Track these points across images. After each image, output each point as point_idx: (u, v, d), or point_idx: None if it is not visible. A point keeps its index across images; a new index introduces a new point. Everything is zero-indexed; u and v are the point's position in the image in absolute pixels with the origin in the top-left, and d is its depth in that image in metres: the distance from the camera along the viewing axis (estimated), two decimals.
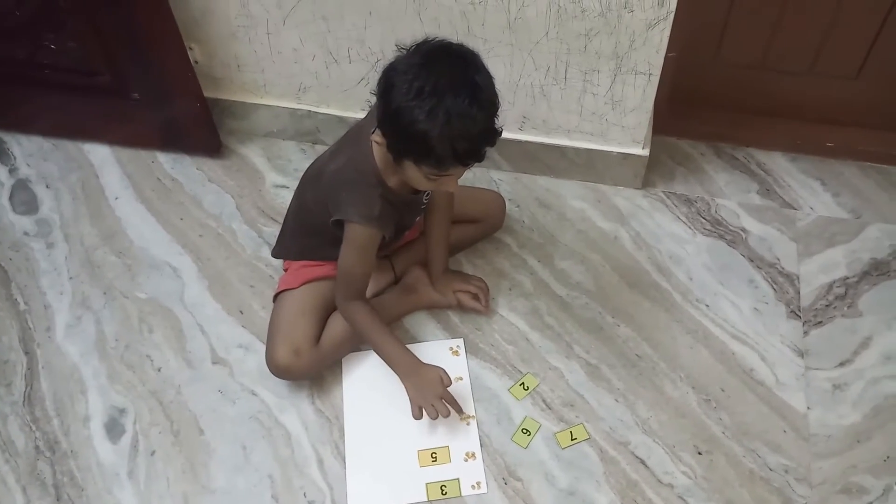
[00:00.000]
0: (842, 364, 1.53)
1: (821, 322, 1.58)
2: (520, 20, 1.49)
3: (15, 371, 1.52)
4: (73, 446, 1.43)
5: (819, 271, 1.65)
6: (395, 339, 1.40)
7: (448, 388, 1.37)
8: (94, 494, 1.37)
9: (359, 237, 1.31)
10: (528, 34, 1.51)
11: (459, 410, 1.41)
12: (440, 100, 1.08)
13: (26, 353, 1.54)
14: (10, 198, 1.78)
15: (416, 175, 1.20)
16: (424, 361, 1.40)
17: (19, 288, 1.63)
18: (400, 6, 1.51)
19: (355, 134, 1.35)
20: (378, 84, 1.16)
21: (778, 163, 1.83)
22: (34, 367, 1.52)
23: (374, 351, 1.43)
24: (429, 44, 1.15)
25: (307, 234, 1.43)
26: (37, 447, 1.43)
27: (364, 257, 1.34)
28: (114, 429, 1.45)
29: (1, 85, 1.79)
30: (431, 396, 1.36)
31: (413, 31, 1.54)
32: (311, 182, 1.43)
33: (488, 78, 1.14)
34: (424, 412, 1.37)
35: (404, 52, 1.15)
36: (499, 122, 1.18)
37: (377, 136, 1.20)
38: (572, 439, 1.43)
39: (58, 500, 1.37)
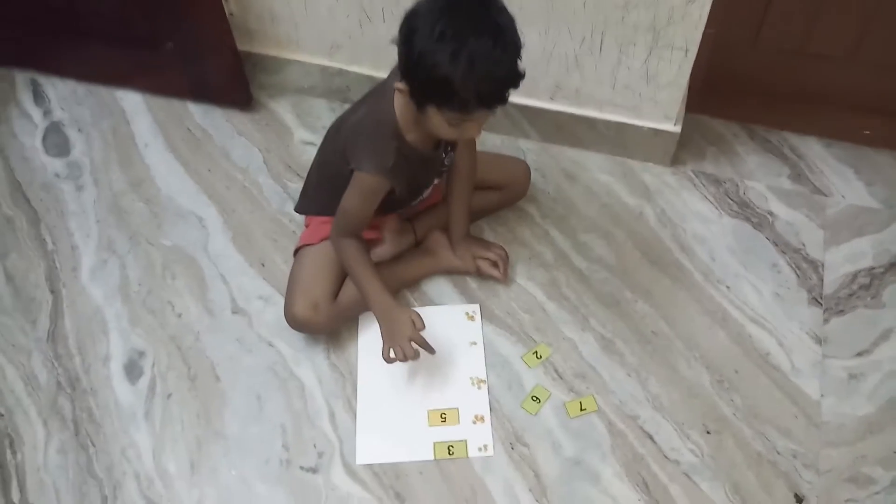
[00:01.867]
0: (860, 354, 1.51)
1: (842, 311, 1.57)
2: None
3: (41, 308, 1.55)
4: (93, 384, 1.46)
5: (845, 260, 1.63)
6: (377, 280, 1.38)
7: (420, 332, 1.36)
8: (110, 432, 1.41)
9: (365, 182, 1.32)
10: (565, 2, 1.49)
11: (431, 351, 1.41)
12: (463, 42, 1.07)
13: (52, 291, 1.58)
14: (44, 139, 1.81)
15: (438, 122, 1.19)
16: (437, 319, 1.40)
17: (48, 228, 1.66)
18: None
19: (380, 88, 1.35)
20: (399, 30, 1.15)
21: (812, 148, 1.80)
22: (59, 305, 1.56)
23: (356, 288, 1.42)
24: None
25: (328, 188, 1.44)
26: (58, 383, 1.46)
27: (366, 203, 1.35)
28: (133, 370, 1.48)
29: (39, 29, 1.81)
30: (401, 338, 1.36)
31: None
32: (332, 135, 1.44)
33: (510, 19, 1.13)
34: (393, 354, 1.36)
35: None
36: (521, 64, 1.16)
37: (400, 84, 1.20)
38: (581, 409, 1.44)
39: (76, 434, 1.41)
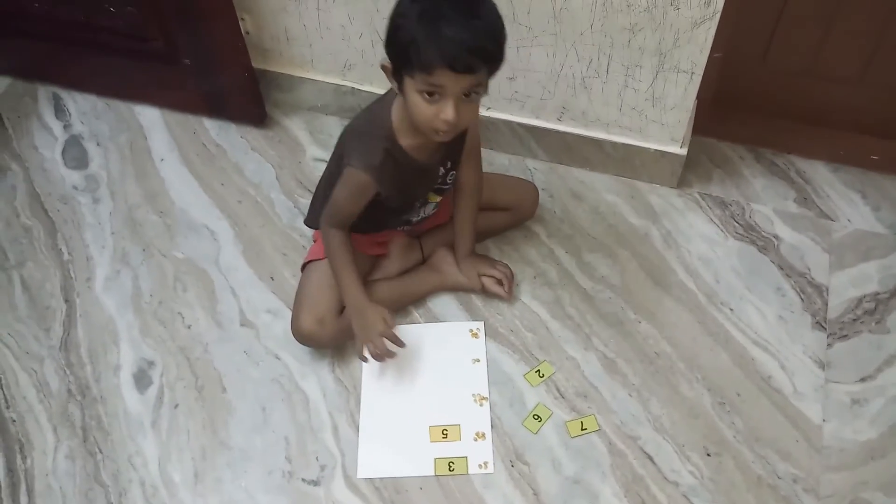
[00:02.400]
0: (863, 380, 1.51)
1: (846, 336, 1.57)
2: (565, 10, 1.50)
3: (55, 317, 1.59)
4: (103, 393, 1.49)
5: (850, 284, 1.63)
6: (354, 276, 1.41)
7: (392, 329, 1.40)
8: (118, 440, 1.44)
9: (352, 179, 1.33)
10: (572, 25, 1.52)
11: (401, 344, 1.43)
12: (434, 4, 1.11)
13: (66, 300, 1.61)
14: (63, 152, 1.86)
15: (414, 99, 1.18)
16: (441, 335, 1.44)
17: (65, 239, 1.71)
18: None
19: (381, 95, 1.38)
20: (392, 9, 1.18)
21: (819, 172, 1.81)
22: (73, 314, 1.59)
23: (336, 280, 1.44)
24: None
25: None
26: (69, 390, 1.50)
27: (351, 199, 1.36)
28: (142, 380, 1.51)
29: (62, 44, 1.86)
30: (373, 334, 1.39)
31: None
32: (336, 145, 1.46)
33: (492, 7, 1.16)
34: (367, 353, 1.40)
35: None
36: (504, 51, 1.18)
37: (384, 61, 1.21)
38: (582, 429, 1.45)
39: (84, 441, 1.44)
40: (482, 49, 1.14)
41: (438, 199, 1.50)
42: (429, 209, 1.52)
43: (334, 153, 1.47)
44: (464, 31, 1.11)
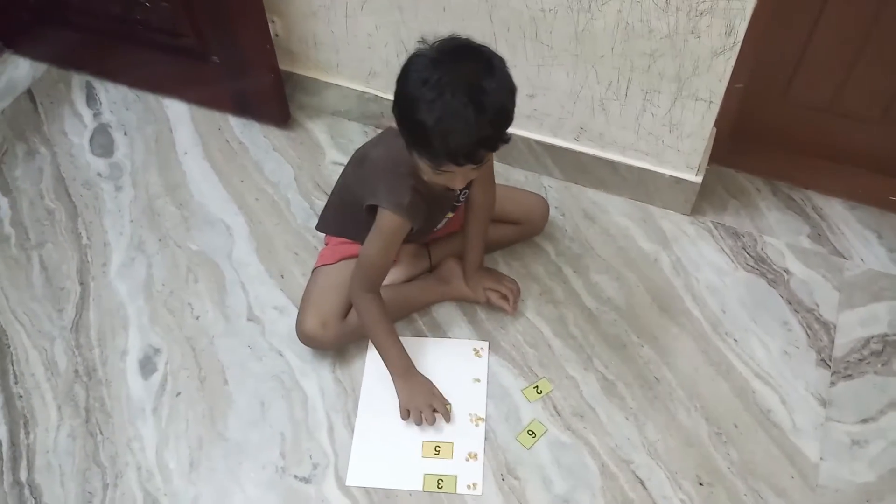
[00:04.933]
0: (864, 421, 1.50)
1: (850, 375, 1.55)
2: (587, 32, 1.51)
3: (68, 299, 1.63)
4: (108, 376, 1.53)
5: (858, 324, 1.62)
6: (397, 342, 1.45)
7: (441, 406, 1.45)
8: (119, 423, 1.47)
9: (387, 224, 1.34)
10: (593, 47, 1.53)
11: (447, 419, 1.46)
12: (440, 94, 1.09)
13: (81, 283, 1.65)
14: (91, 140, 1.91)
15: (424, 167, 1.22)
16: (445, 351, 1.47)
17: (85, 223, 1.75)
18: (472, 5, 1.56)
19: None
20: (400, 71, 1.18)
21: (835, 209, 1.80)
22: (86, 297, 1.63)
23: (374, 346, 1.47)
24: (451, 41, 1.16)
25: (347, 212, 1.49)
26: (76, 371, 1.53)
27: (388, 247, 1.37)
28: (147, 366, 1.54)
29: (97, 35, 1.92)
30: (422, 403, 1.43)
31: (483, 32, 1.58)
32: (356, 164, 1.48)
33: (501, 85, 1.14)
34: (412, 417, 1.44)
35: (426, 45, 1.16)
36: (508, 131, 1.18)
37: (395, 122, 1.22)
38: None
39: (86, 422, 1.47)
40: (488, 140, 1.15)
41: (451, 214, 1.52)
42: (441, 223, 1.54)
43: (353, 174, 1.49)
44: (469, 130, 1.11)
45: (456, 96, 1.10)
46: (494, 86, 1.13)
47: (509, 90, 1.16)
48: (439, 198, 1.40)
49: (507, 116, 1.17)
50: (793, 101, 1.73)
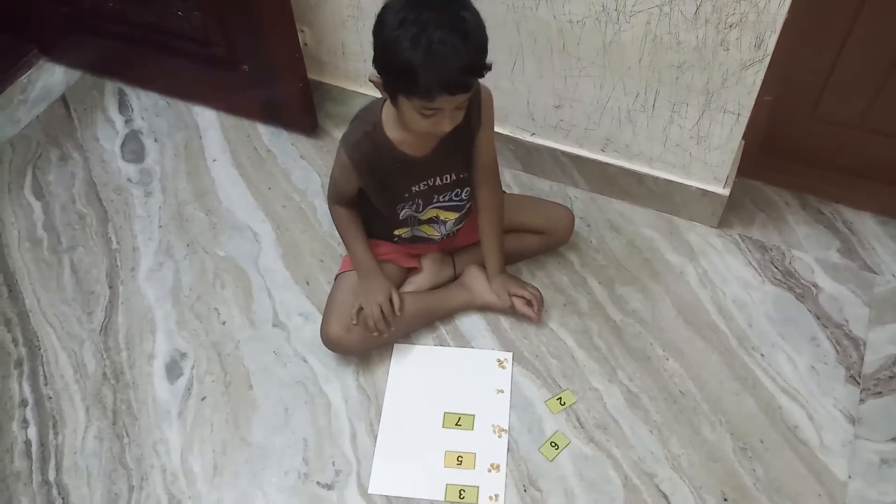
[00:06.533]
0: (894, 440, 1.47)
1: (880, 393, 1.53)
2: (615, 44, 1.51)
3: (98, 302, 1.66)
4: (136, 379, 1.55)
5: (889, 341, 1.59)
6: (364, 242, 1.51)
7: (393, 305, 1.50)
8: (145, 426, 1.49)
9: (338, 156, 1.40)
10: (621, 58, 1.53)
11: (390, 322, 1.49)
12: (423, 28, 1.11)
13: (110, 287, 1.68)
14: (122, 146, 1.94)
15: (410, 114, 1.23)
16: (469, 361, 1.51)
17: (115, 228, 1.78)
18: (500, 17, 1.56)
19: None
20: (374, 24, 1.19)
21: (866, 224, 1.77)
22: (115, 301, 1.66)
23: (346, 249, 1.54)
24: None
25: (364, 208, 1.51)
26: (104, 374, 1.55)
27: (342, 179, 1.43)
28: (173, 370, 1.56)
29: (130, 44, 1.96)
30: (373, 301, 1.48)
31: (510, 43, 1.59)
32: None
33: (475, 15, 1.17)
34: (359, 313, 1.48)
35: None
36: (489, 58, 1.19)
37: (374, 77, 1.23)
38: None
39: (114, 424, 1.49)
40: (475, 66, 1.18)
41: (455, 216, 1.52)
42: (449, 226, 1.54)
43: None
44: (458, 56, 1.13)
45: (440, 28, 1.12)
46: (471, 16, 1.16)
47: (481, 22, 1.19)
48: (406, 164, 1.38)
49: (485, 45, 1.19)
50: (822, 115, 1.71)
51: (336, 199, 1.50)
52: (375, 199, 1.45)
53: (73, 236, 1.77)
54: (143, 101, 2.03)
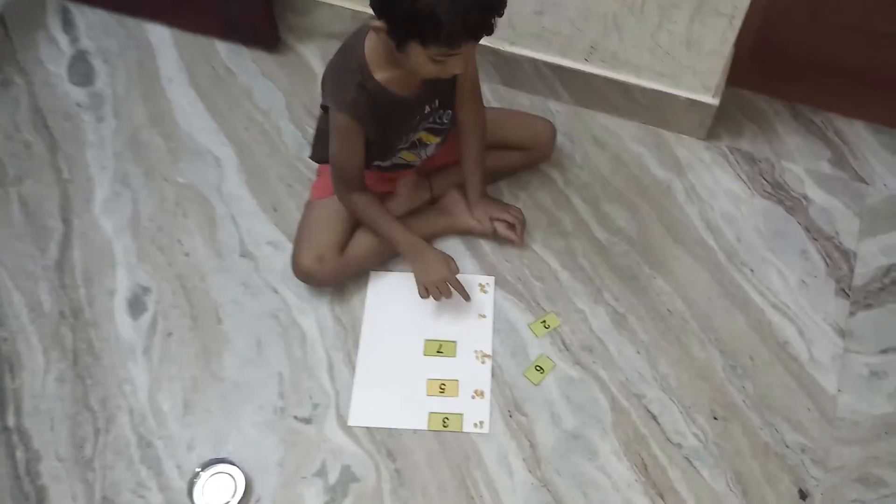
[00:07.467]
0: (884, 351, 1.44)
1: (870, 305, 1.49)
2: None
3: (51, 237, 1.55)
4: (96, 317, 1.46)
5: (879, 252, 1.55)
6: (399, 223, 1.41)
7: (455, 275, 1.41)
8: (108, 365, 1.41)
9: (336, 123, 1.29)
10: None
11: (466, 297, 1.42)
12: None
13: (64, 221, 1.57)
14: (69, 68, 1.80)
15: (421, 60, 1.15)
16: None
17: (66, 157, 1.65)
18: None
19: (357, 29, 1.30)
20: None
21: (858, 133, 1.71)
22: (70, 235, 1.55)
23: (381, 238, 1.43)
24: None
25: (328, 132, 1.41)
26: (61, 312, 1.46)
27: (347, 147, 1.32)
28: (136, 305, 1.47)
29: None
30: (437, 278, 1.38)
31: None
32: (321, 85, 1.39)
33: None
34: (428, 293, 1.40)
35: None
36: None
37: (377, 23, 1.14)
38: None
39: (75, 364, 1.41)
40: (497, 6, 1.11)
41: (437, 139, 1.43)
42: (430, 150, 1.45)
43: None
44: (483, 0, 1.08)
45: None
46: None
47: None
48: (401, 104, 1.30)
49: None
50: (822, 18, 1.60)
51: (347, 184, 1.37)
52: (374, 147, 1.34)
53: (20, 167, 1.64)
54: (90, 18, 1.87)
